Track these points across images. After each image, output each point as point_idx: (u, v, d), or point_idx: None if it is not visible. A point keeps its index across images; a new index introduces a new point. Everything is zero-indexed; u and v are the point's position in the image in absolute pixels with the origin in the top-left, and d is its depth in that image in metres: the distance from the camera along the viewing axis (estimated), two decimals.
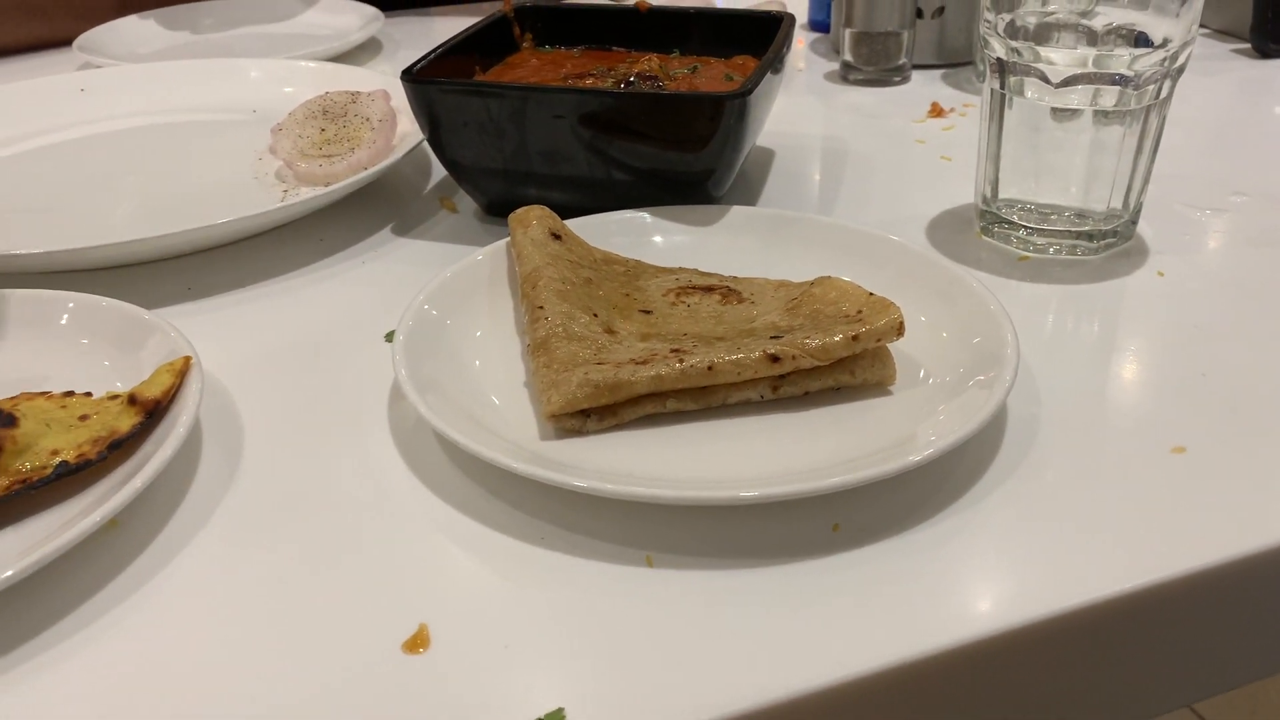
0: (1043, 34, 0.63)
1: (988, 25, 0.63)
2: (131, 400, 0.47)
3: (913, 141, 0.85)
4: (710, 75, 0.75)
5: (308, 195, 0.68)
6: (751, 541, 0.43)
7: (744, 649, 0.38)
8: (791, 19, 0.76)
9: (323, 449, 0.50)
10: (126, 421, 0.46)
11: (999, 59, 0.63)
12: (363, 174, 0.71)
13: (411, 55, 1.08)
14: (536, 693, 0.37)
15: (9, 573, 0.38)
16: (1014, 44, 0.62)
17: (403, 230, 0.72)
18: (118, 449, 0.45)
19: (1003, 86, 0.64)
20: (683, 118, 0.63)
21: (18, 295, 0.55)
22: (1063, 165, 0.63)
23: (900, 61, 0.96)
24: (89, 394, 0.49)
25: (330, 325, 0.61)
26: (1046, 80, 0.61)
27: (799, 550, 0.43)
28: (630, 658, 0.38)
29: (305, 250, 0.69)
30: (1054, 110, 0.62)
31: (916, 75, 0.99)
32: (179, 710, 0.37)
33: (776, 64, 0.69)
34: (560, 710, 0.36)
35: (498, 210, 0.72)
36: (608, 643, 0.39)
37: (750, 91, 0.62)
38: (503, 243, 0.61)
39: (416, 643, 0.39)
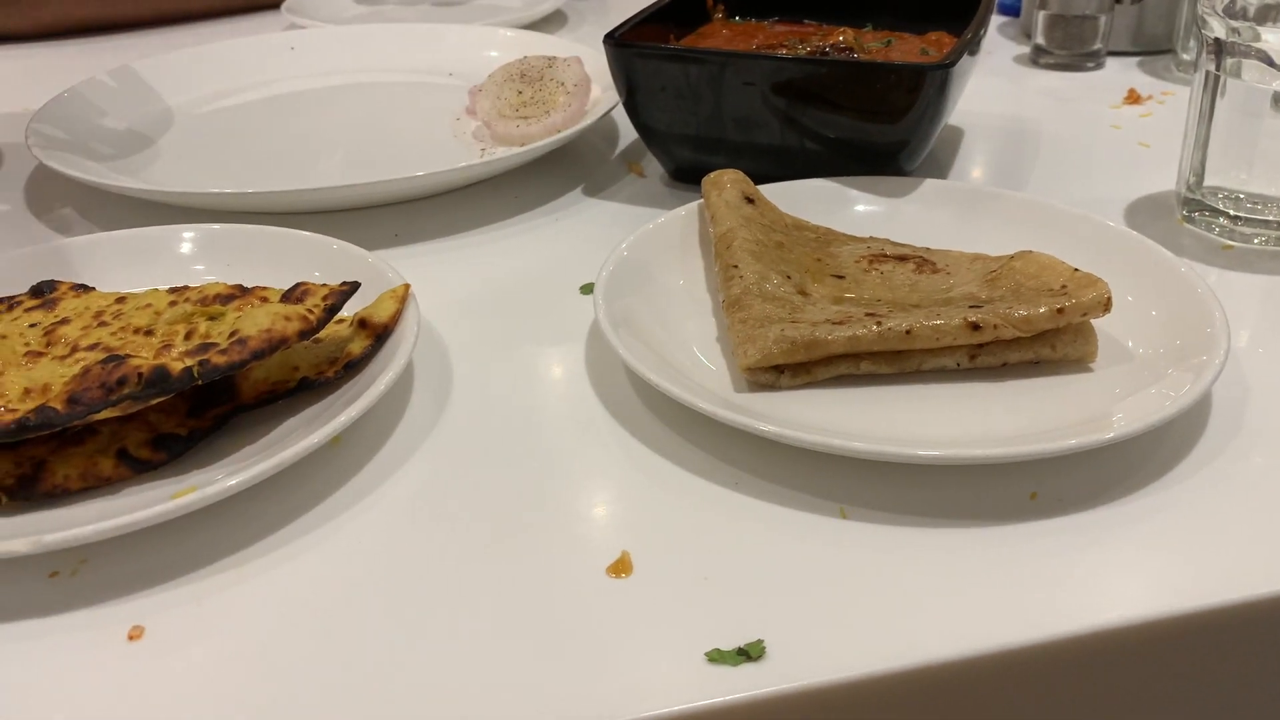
0: (1265, 14, 0.61)
1: (1206, 4, 0.61)
2: (362, 324, 0.50)
3: (1108, 127, 0.83)
4: (905, 49, 0.74)
5: (504, 154, 0.71)
6: (946, 502, 0.44)
7: (936, 603, 0.39)
8: None
9: (525, 386, 0.53)
10: (359, 344, 0.49)
11: (1217, 39, 0.61)
12: (557, 136, 0.73)
13: (595, 27, 1.11)
14: (737, 623, 0.38)
15: (254, 471, 0.41)
16: (1234, 24, 0.60)
17: (592, 191, 0.74)
18: (354, 370, 0.48)
19: (1219, 68, 0.61)
20: (882, 88, 0.63)
21: (263, 231, 0.59)
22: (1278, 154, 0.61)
23: (1095, 46, 0.93)
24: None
25: (526, 275, 0.63)
26: (1270, 63, 0.59)
27: (995, 514, 0.43)
28: (825, 600, 0.39)
29: (501, 206, 0.71)
30: (1276, 95, 0.60)
31: (1111, 62, 0.96)
32: (396, 609, 0.39)
33: (976, 41, 0.68)
34: (760, 641, 0.37)
35: (684, 176, 0.73)
36: (803, 585, 0.40)
37: (953, 64, 0.62)
38: (693, 205, 0.62)
39: (620, 568, 0.41)
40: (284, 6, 1.09)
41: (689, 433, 0.48)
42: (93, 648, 0.38)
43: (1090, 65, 0.94)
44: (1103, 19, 0.92)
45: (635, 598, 0.39)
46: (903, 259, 0.57)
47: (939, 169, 0.75)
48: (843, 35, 0.76)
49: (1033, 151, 0.79)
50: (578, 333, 0.57)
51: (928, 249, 0.59)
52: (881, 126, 0.64)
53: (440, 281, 0.61)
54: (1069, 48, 0.93)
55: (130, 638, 0.38)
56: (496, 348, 0.56)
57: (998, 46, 1.01)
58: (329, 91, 0.90)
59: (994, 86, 0.91)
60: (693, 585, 0.40)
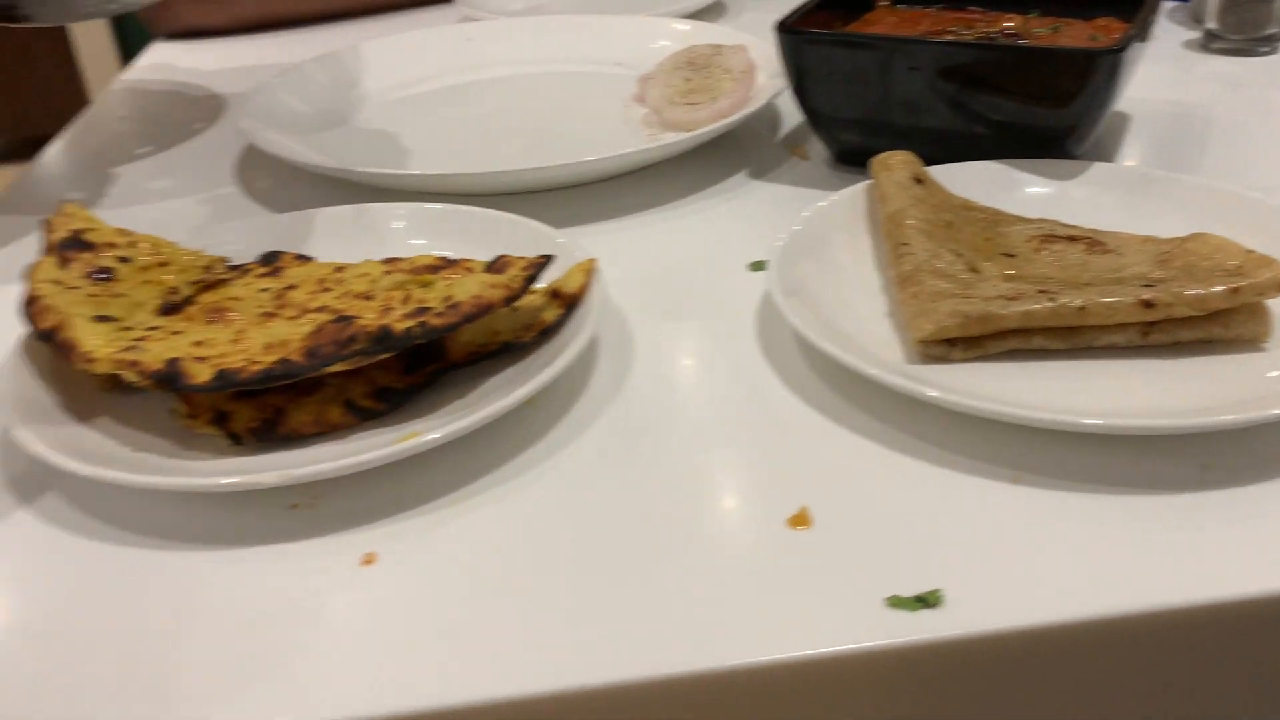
0: None
1: None
2: (554, 294, 0.54)
3: None
4: (1073, 35, 0.75)
5: (673, 139, 0.74)
6: (1118, 471, 0.45)
7: (1107, 563, 0.41)
8: None
9: (699, 356, 0.56)
10: (551, 313, 0.53)
11: None
12: (723, 121, 0.76)
13: (756, 14, 1.13)
14: (915, 573, 0.40)
15: (467, 421, 0.46)
16: None
17: (757, 174, 0.76)
18: (547, 336, 0.52)
19: None
20: (1052, 73, 0.64)
21: (458, 209, 0.64)
22: None
23: (1270, 30, 0.91)
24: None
25: (697, 254, 0.67)
26: None
27: (1167, 484, 0.44)
28: (999, 557, 0.41)
29: (670, 188, 0.75)
30: None
31: None
32: (586, 550, 0.43)
33: (1147, 26, 0.68)
34: (938, 590, 0.39)
35: (848, 159, 0.75)
36: (977, 543, 0.42)
37: (1125, 49, 0.63)
38: (859, 186, 0.65)
39: (800, 520, 0.44)
40: None
41: (861, 401, 0.50)
42: (332, 570, 0.43)
43: (1264, 50, 0.92)
44: (1278, 2, 0.90)
45: (815, 547, 0.42)
46: (1073, 239, 0.58)
47: (1105, 154, 0.75)
48: (1010, 21, 0.76)
49: (1202, 137, 0.78)
50: (748, 307, 0.59)
51: (1097, 230, 0.59)
52: (1050, 111, 0.65)
53: (616, 258, 0.65)
54: (1243, 32, 0.91)
55: (364, 562, 0.43)
56: (672, 320, 0.59)
57: (1166, 32, 1.00)
58: (505, 80, 0.95)
59: (1162, 72, 0.90)
60: (870, 539, 0.43)
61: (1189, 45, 0.96)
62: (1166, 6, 1.07)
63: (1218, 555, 0.41)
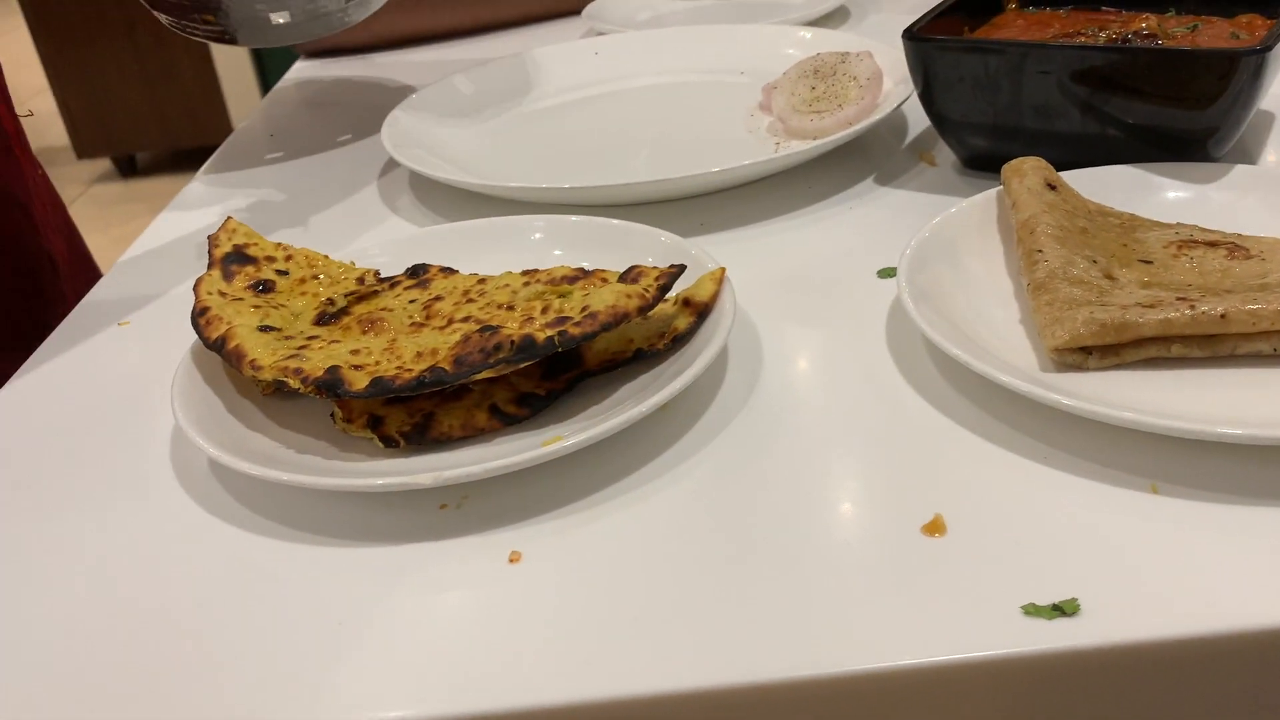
0: None
1: None
2: (686, 303, 0.55)
3: None
4: (1213, 34, 0.73)
5: (799, 147, 0.75)
6: (1262, 483, 0.44)
7: (1250, 577, 0.40)
8: None
9: (830, 364, 0.57)
10: (683, 321, 0.55)
11: None
12: (850, 129, 0.77)
13: (879, 18, 1.13)
14: (1051, 582, 0.41)
15: (607, 425, 0.48)
16: None
17: (884, 181, 0.77)
18: (679, 344, 0.54)
19: None
20: (1192, 75, 0.63)
21: (591, 221, 0.67)
22: None
23: None
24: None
25: (825, 260, 0.68)
26: None
27: None
28: (1137, 568, 0.41)
29: (797, 195, 0.76)
30: None
31: None
32: (715, 564, 0.44)
33: None
34: (1075, 599, 0.40)
35: (978, 164, 0.75)
36: (1115, 552, 0.42)
37: (1270, 48, 0.61)
38: (990, 192, 0.64)
39: (934, 528, 0.44)
40: (584, 13, 1.17)
41: (994, 408, 0.51)
42: (481, 567, 0.45)
43: None
44: None
45: (951, 554, 0.43)
46: (1213, 245, 0.57)
47: (1247, 156, 0.73)
48: (1145, 21, 0.75)
49: None
50: (878, 313, 0.60)
51: (1240, 235, 0.58)
52: (1190, 113, 0.64)
53: (744, 266, 0.66)
54: None
55: (511, 560, 0.45)
56: (801, 327, 0.60)
57: None
58: (632, 92, 0.97)
59: None
60: (1005, 547, 0.43)
61: None
62: None
63: None
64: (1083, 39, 0.74)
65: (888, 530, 0.45)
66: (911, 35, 0.71)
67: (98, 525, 0.51)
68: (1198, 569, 0.41)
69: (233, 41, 0.85)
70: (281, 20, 0.84)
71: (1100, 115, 0.66)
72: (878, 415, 0.52)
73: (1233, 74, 0.62)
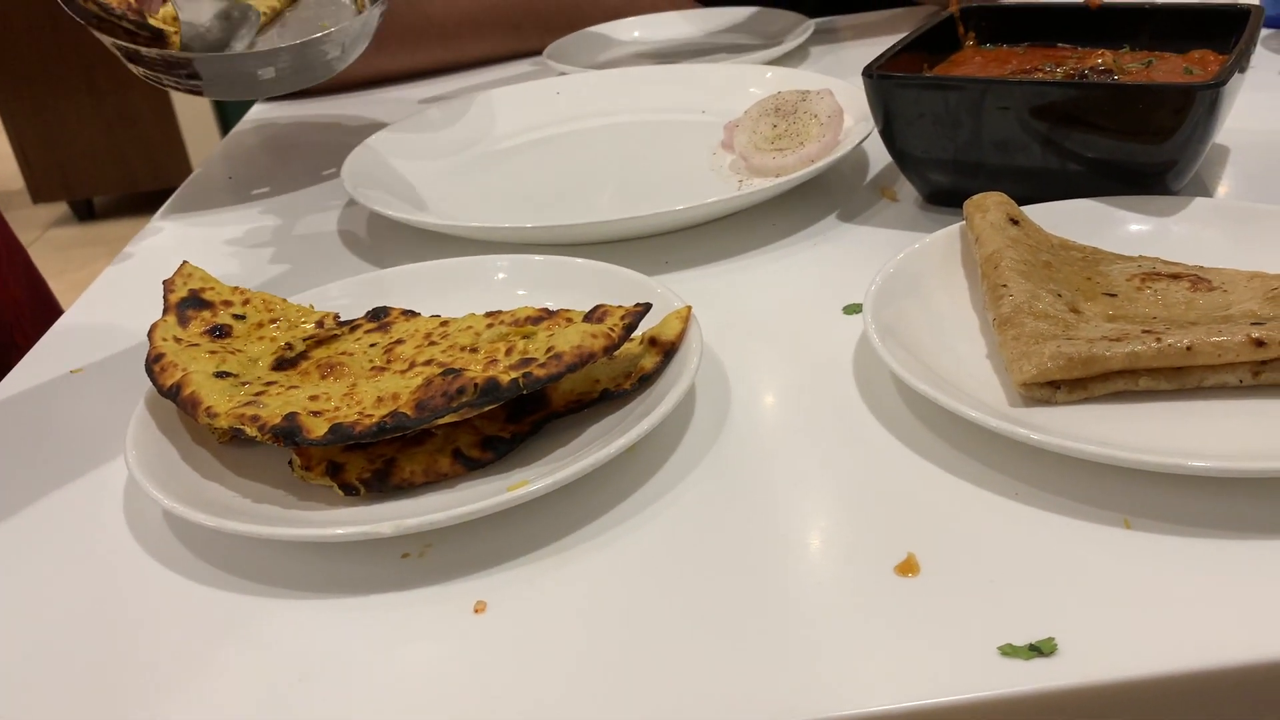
0: None
1: None
2: (652, 342, 0.55)
3: None
4: (1167, 69, 0.74)
5: (762, 185, 0.75)
6: (1234, 515, 0.44)
7: (1226, 612, 0.40)
8: (1260, 11, 0.74)
9: (798, 401, 0.56)
10: (650, 360, 0.54)
11: None
12: (812, 166, 0.77)
13: (837, 58, 1.14)
14: (1027, 621, 0.40)
15: (574, 469, 0.47)
16: None
17: (847, 217, 0.77)
18: (646, 383, 0.53)
19: None
20: (1149, 109, 0.63)
21: (555, 260, 0.66)
22: None
23: None
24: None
25: (791, 297, 0.67)
26: None
27: None
28: (1113, 605, 0.41)
29: (761, 233, 0.76)
30: None
31: None
32: (692, 598, 0.43)
33: (1246, 57, 0.67)
34: (1052, 639, 0.39)
35: (939, 199, 0.75)
36: (1090, 589, 0.41)
37: (1224, 83, 0.62)
38: (953, 228, 0.64)
39: (907, 568, 0.43)
40: (546, 53, 1.17)
41: (964, 444, 0.50)
42: (445, 618, 0.44)
43: None
44: None
45: (925, 595, 0.42)
46: (1176, 277, 0.57)
47: (1205, 188, 0.74)
48: (1101, 57, 0.76)
49: None
50: (845, 350, 0.60)
51: (1201, 267, 0.58)
52: (1148, 147, 0.65)
53: (710, 304, 0.66)
54: None
55: (476, 610, 0.44)
56: (769, 364, 0.60)
57: (1263, 61, 0.98)
58: (594, 131, 0.97)
59: (1260, 101, 0.88)
60: (980, 585, 0.42)
61: None
62: (1263, 34, 1.05)
63: None
64: (1040, 75, 0.75)
65: (861, 571, 0.44)
66: (871, 73, 0.71)
67: (46, 578, 0.50)
68: (1173, 605, 0.40)
69: (212, 95, 0.85)
70: (267, 76, 0.84)
71: (1060, 150, 0.67)
72: (848, 453, 0.51)
73: (1189, 108, 0.62)
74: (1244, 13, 0.75)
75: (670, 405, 0.50)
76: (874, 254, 0.69)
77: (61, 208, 3.72)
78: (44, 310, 0.97)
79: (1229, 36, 0.73)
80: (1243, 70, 0.67)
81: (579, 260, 0.65)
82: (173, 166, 3.43)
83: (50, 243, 3.55)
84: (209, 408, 0.51)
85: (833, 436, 0.53)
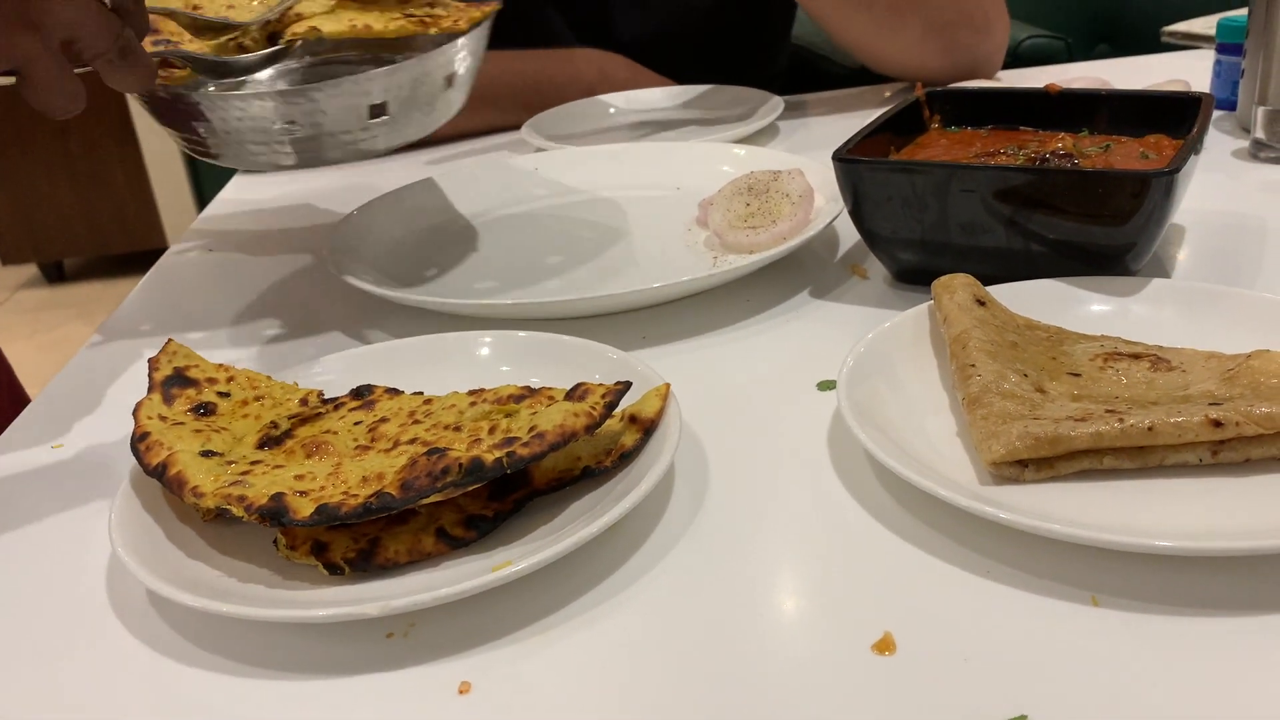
0: None
1: None
2: (632, 419, 0.56)
3: None
4: (1125, 154, 0.77)
5: (736, 262, 0.77)
6: (1199, 593, 0.46)
7: (1192, 689, 0.41)
8: (1211, 99, 0.77)
9: (774, 478, 0.58)
10: (630, 438, 0.55)
11: None
12: (784, 245, 0.79)
13: (806, 136, 1.17)
14: (1000, 699, 0.41)
15: (559, 547, 0.47)
16: None
17: (819, 294, 0.79)
18: (626, 460, 0.54)
19: None
20: (1107, 194, 0.66)
21: (536, 337, 0.67)
22: None
23: None
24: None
25: (766, 373, 0.69)
26: None
27: (1250, 606, 0.45)
28: (1082, 682, 0.42)
29: (736, 309, 0.77)
30: None
31: None
32: (669, 688, 0.44)
33: (1199, 143, 0.70)
34: (1024, 717, 0.40)
35: (908, 278, 0.78)
36: (1061, 668, 0.43)
37: (1179, 169, 0.65)
38: (922, 307, 0.67)
39: (884, 646, 0.45)
40: (524, 129, 1.20)
41: (936, 522, 0.52)
42: (430, 700, 0.44)
43: None
44: None
45: (901, 674, 0.43)
46: (1137, 357, 0.59)
47: (1161, 267, 0.76)
48: (1061, 141, 0.79)
49: (1259, 247, 0.79)
50: (820, 426, 0.61)
51: (1160, 347, 0.61)
52: (1107, 230, 0.67)
53: (687, 379, 0.67)
54: None
55: (461, 691, 0.44)
56: (746, 441, 0.61)
57: (1214, 142, 1.02)
58: (572, 207, 0.99)
59: (1214, 182, 0.92)
60: (954, 664, 0.43)
61: (1238, 154, 0.98)
62: (1214, 115, 1.09)
63: None
64: (1003, 158, 0.78)
65: (839, 650, 0.45)
66: (840, 157, 0.74)
67: (27, 660, 0.49)
68: (1139, 682, 0.42)
69: (216, 161, 0.78)
70: (288, 162, 0.76)
71: (1023, 231, 0.69)
72: (824, 531, 0.53)
73: (1145, 194, 0.65)
74: (1196, 100, 0.78)
75: (651, 483, 0.52)
76: (845, 331, 0.71)
77: (31, 269, 3.70)
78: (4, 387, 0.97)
79: (1182, 122, 0.77)
80: (1197, 153, 0.70)
81: (561, 337, 0.67)
82: (145, 229, 3.43)
83: (19, 305, 3.52)
84: (195, 487, 0.51)
85: (809, 514, 0.54)
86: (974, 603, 0.47)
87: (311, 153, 0.76)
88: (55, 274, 3.67)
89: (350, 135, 0.76)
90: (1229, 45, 1.06)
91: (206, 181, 3.26)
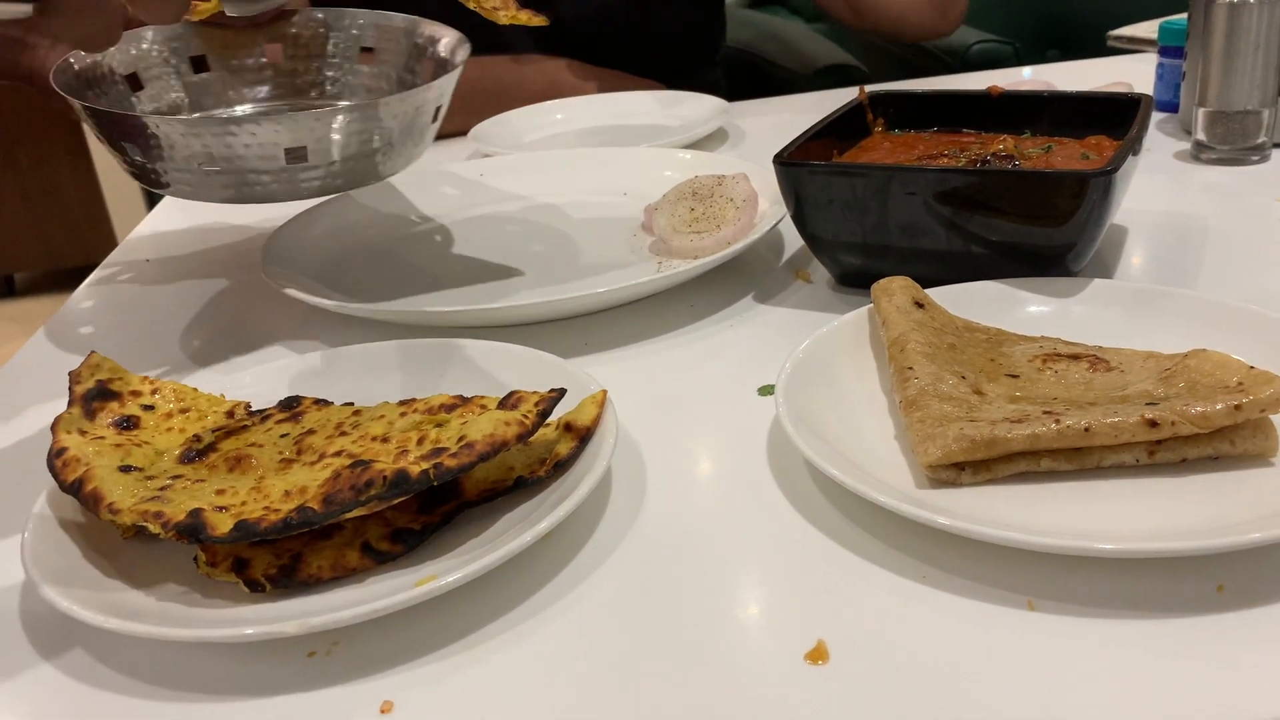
0: None
1: None
2: (567, 427, 0.55)
3: (1276, 221, 0.83)
4: (1066, 154, 0.77)
5: (680, 267, 0.76)
6: (1133, 594, 0.45)
7: (1128, 692, 0.40)
8: (1150, 100, 0.77)
9: (712, 484, 0.57)
10: (565, 446, 0.54)
11: None
12: (728, 249, 0.78)
13: (754, 139, 1.17)
14: (936, 707, 0.40)
15: (485, 561, 0.46)
16: None
17: (763, 298, 0.78)
18: (561, 469, 0.53)
19: None
20: (1047, 195, 0.66)
21: (475, 344, 0.66)
22: None
23: (1259, 140, 0.93)
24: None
25: (707, 379, 0.68)
26: None
27: (1182, 607, 0.44)
28: (1018, 688, 0.41)
29: (679, 314, 0.77)
30: None
31: (1276, 154, 0.95)
32: (601, 702, 0.43)
33: (1138, 144, 0.70)
34: None
35: (851, 281, 0.77)
36: (996, 674, 0.42)
37: (1116, 169, 0.64)
38: (863, 310, 0.66)
39: (818, 654, 0.44)
40: (470, 134, 1.19)
41: (873, 527, 0.51)
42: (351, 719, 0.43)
43: (1255, 159, 0.94)
44: (1266, 113, 0.92)
45: (834, 683, 0.42)
46: (1076, 358, 0.59)
47: (1104, 268, 0.76)
48: (1003, 143, 0.79)
49: (1199, 247, 0.79)
50: (759, 432, 0.60)
51: (1100, 348, 0.60)
52: (1047, 231, 0.67)
53: (628, 386, 0.66)
54: (1231, 142, 0.94)
55: (382, 711, 0.43)
56: (685, 447, 0.60)
57: (1157, 143, 1.02)
58: (517, 213, 0.98)
59: (1155, 183, 0.92)
60: (888, 672, 0.42)
61: (1180, 156, 0.98)
62: (1156, 117, 1.10)
63: (1236, 680, 0.40)
64: (945, 160, 0.78)
65: (773, 659, 0.44)
66: (782, 160, 0.73)
67: None
68: (1075, 686, 0.41)
69: (167, 190, 0.75)
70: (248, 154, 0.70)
71: (964, 233, 0.69)
72: (761, 538, 0.52)
73: (1084, 194, 0.65)
74: (1135, 101, 0.78)
75: (584, 492, 0.50)
76: (788, 335, 0.70)
77: None
78: None
79: (1123, 123, 0.77)
80: (1135, 154, 0.70)
81: (496, 344, 0.65)
82: (97, 242, 3.37)
83: None
84: (111, 504, 0.50)
85: (747, 521, 0.53)
86: (909, 609, 0.46)
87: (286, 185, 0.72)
88: (5, 289, 3.61)
89: (348, 164, 0.73)
90: (1171, 48, 1.07)
91: (159, 195, 3.21)
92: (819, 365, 0.61)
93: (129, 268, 0.99)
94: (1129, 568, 0.47)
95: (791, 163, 0.73)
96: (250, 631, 0.44)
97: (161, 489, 0.51)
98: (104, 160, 3.32)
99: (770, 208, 0.84)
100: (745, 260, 0.84)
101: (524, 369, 0.63)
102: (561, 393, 0.55)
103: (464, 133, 1.21)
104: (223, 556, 0.49)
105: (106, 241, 3.37)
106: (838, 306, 0.75)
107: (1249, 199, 0.87)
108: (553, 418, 0.56)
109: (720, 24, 1.55)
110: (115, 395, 0.59)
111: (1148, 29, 1.42)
